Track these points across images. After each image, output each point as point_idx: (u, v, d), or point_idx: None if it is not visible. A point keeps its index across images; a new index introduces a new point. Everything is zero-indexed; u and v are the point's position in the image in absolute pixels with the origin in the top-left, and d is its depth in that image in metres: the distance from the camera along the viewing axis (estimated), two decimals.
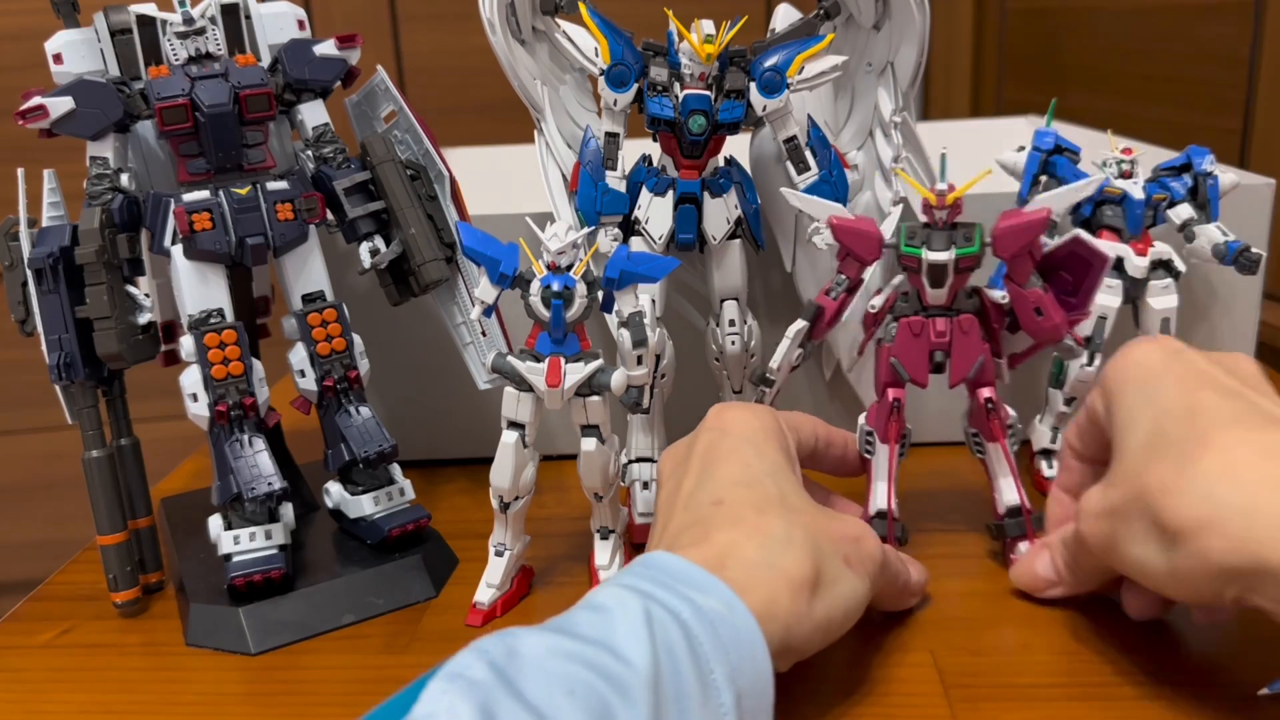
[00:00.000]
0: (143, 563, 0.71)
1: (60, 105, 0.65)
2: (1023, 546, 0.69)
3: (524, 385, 0.63)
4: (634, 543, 0.73)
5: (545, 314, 0.62)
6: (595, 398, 0.64)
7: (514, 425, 0.65)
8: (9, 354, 1.89)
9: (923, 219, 0.66)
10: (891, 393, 0.69)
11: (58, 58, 0.68)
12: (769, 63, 0.72)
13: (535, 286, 0.62)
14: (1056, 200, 0.66)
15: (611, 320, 0.66)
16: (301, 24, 0.73)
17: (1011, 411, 0.69)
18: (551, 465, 0.75)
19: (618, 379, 0.63)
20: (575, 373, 0.63)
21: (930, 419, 0.84)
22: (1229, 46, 1.35)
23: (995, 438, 0.69)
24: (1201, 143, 0.79)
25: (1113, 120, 1.44)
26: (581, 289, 0.62)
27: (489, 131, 1.72)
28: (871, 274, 0.71)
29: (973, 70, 2.11)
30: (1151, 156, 0.80)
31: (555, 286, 0.62)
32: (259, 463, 0.67)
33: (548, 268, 0.63)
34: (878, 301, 0.69)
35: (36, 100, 0.65)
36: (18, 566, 2.04)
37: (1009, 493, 0.69)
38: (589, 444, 0.64)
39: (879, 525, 0.69)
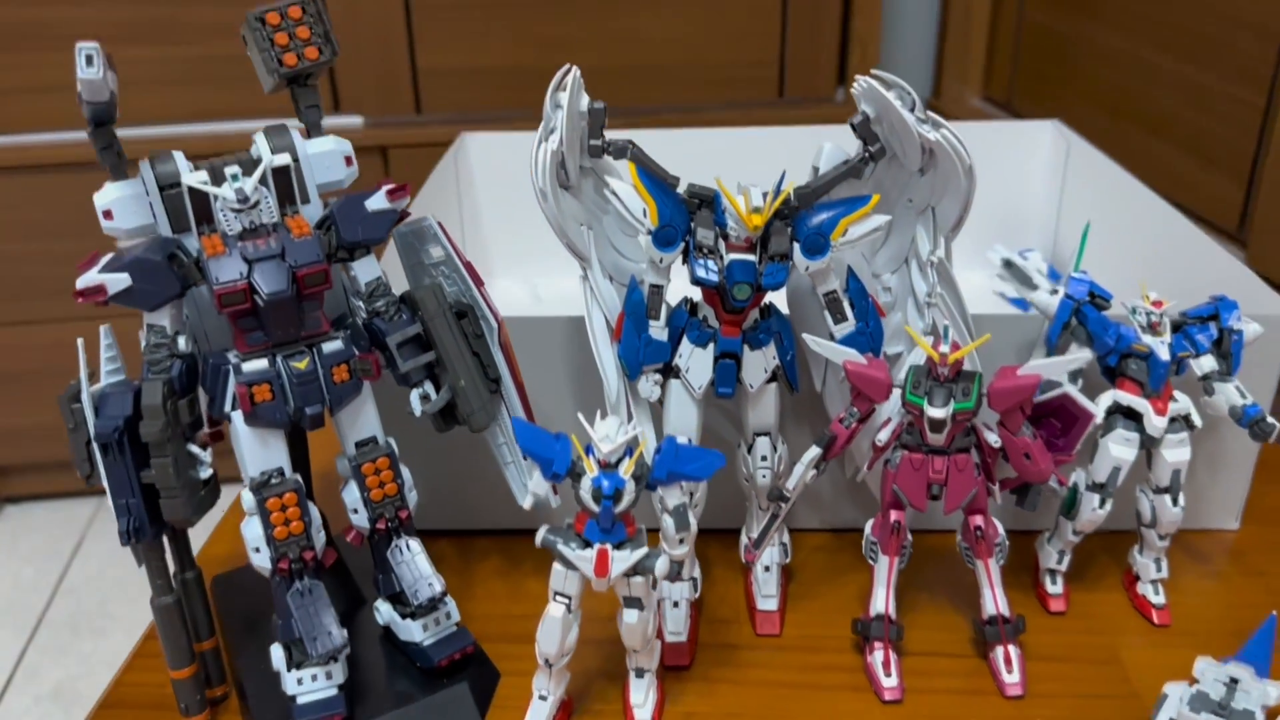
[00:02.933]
0: (208, 678, 0.76)
1: (118, 283, 0.66)
2: (999, 650, 0.77)
3: (572, 567, 0.67)
4: (665, 665, 0.79)
5: (595, 508, 0.66)
6: (639, 578, 0.68)
7: (560, 596, 0.69)
8: (12, 247, 1.90)
9: (929, 370, 0.72)
10: (894, 514, 0.77)
11: (108, 214, 0.68)
12: (814, 223, 0.73)
13: (586, 484, 0.65)
14: (1048, 369, 0.72)
15: (654, 499, 0.69)
16: (349, 160, 0.73)
17: (1000, 531, 0.77)
18: None
19: (662, 565, 0.67)
20: (622, 561, 0.66)
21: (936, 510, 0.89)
22: (1266, 18, 1.32)
23: (982, 557, 0.78)
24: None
25: (1135, 66, 1.40)
26: (630, 487, 0.65)
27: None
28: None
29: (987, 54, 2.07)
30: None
31: (605, 488, 0.65)
32: (320, 614, 0.71)
33: (598, 465, 0.65)
34: (884, 436, 0.75)
35: (95, 278, 0.66)
36: (35, 448, 2.11)
37: (990, 604, 0.78)
38: (631, 615, 0.69)
39: (877, 627, 0.77)
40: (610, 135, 0.74)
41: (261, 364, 0.68)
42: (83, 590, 1.96)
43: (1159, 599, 0.83)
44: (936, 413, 0.71)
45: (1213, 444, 0.88)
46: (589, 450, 0.66)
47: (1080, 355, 0.71)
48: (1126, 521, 0.86)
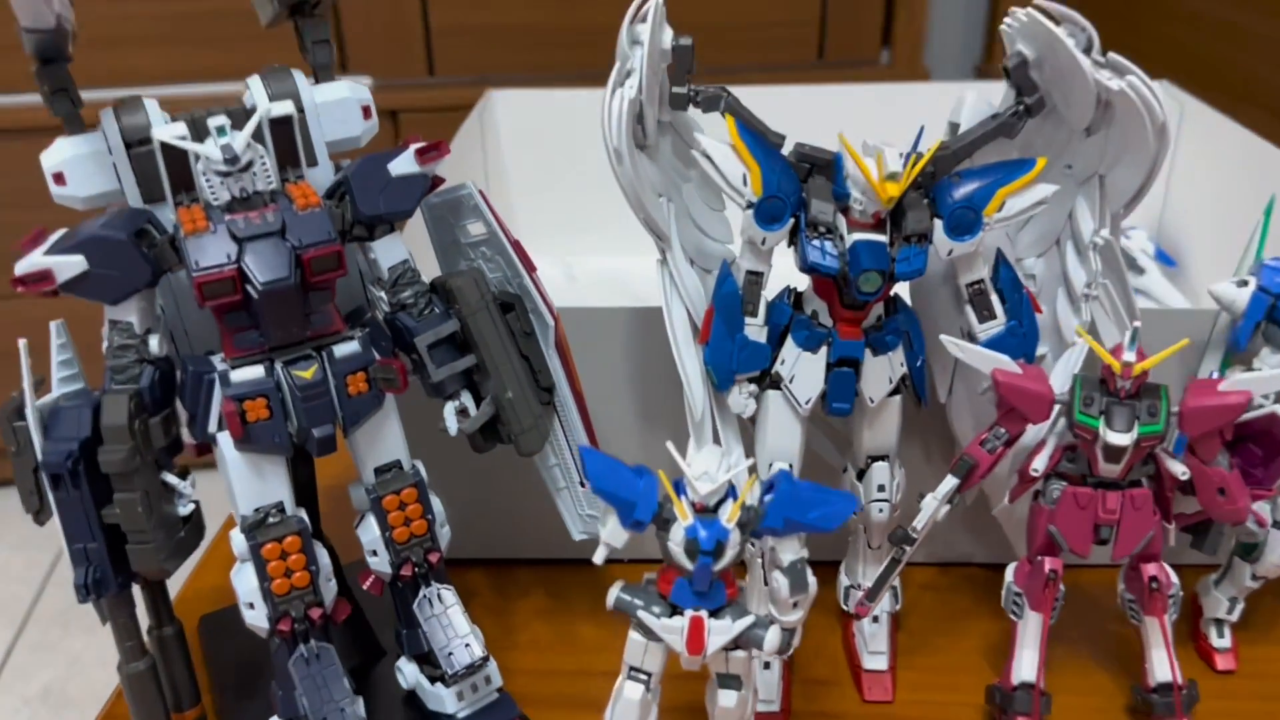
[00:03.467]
0: None
1: (69, 267, 0.50)
2: None
3: (655, 638, 0.52)
4: None
5: (689, 566, 0.50)
6: (740, 652, 0.53)
7: (638, 672, 0.54)
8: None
9: (1102, 380, 0.58)
10: (1049, 563, 0.62)
11: (59, 177, 0.53)
12: (961, 194, 0.57)
13: (678, 534, 0.50)
14: (1260, 384, 0.58)
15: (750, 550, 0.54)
16: (367, 111, 0.57)
17: (1174, 580, 0.63)
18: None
19: (773, 639, 0.52)
20: (721, 633, 0.51)
21: None
22: None
23: (1155, 614, 0.63)
24: None
25: (1213, 28, 1.22)
26: (735, 538, 0.50)
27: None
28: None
29: None
30: None
31: (704, 540, 0.50)
32: (329, 684, 0.56)
33: (692, 508, 0.50)
34: (1039, 465, 0.61)
35: (39, 261, 0.50)
36: None
37: (1162, 669, 0.64)
38: (729, 698, 0.54)
39: (1023, 699, 0.62)
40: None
41: (256, 373, 0.53)
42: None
43: (1224, 643, 0.68)
44: (1118, 439, 0.56)
45: None
46: (679, 489, 0.51)
47: None
48: None
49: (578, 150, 0.78)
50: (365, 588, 0.61)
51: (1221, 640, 0.70)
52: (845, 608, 0.70)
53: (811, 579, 0.55)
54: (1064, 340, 0.66)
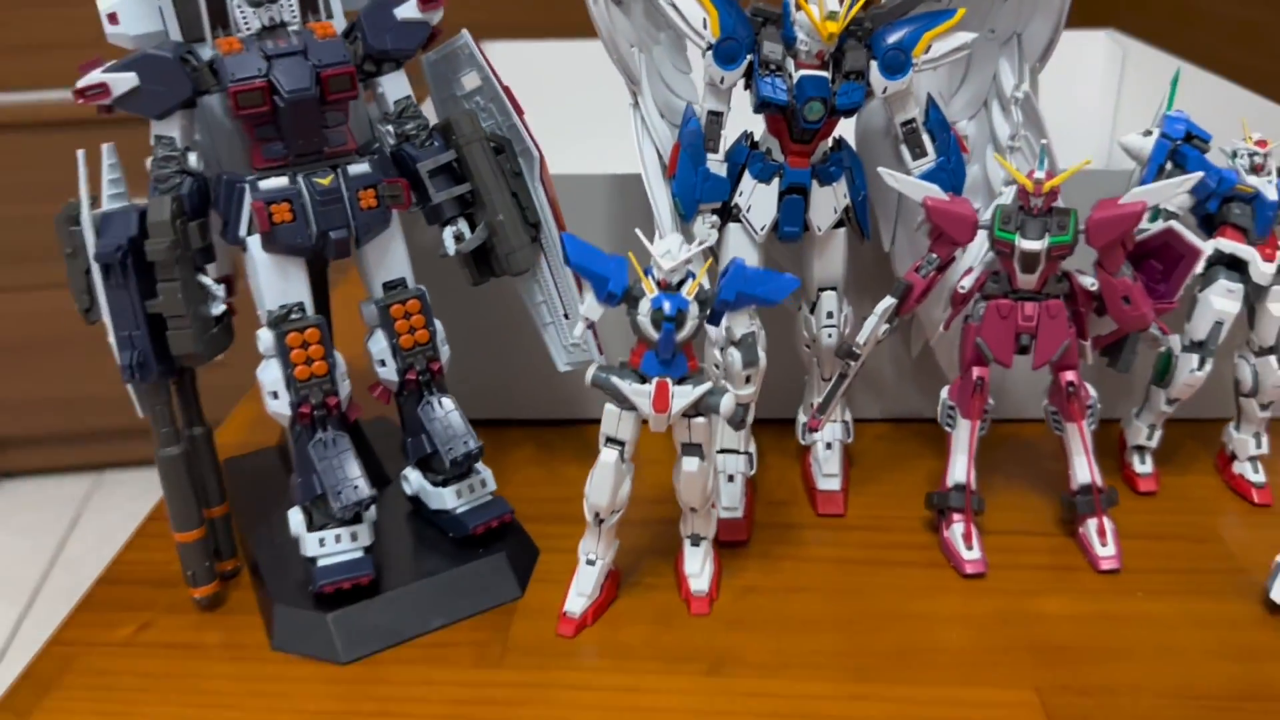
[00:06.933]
0: (218, 550, 0.69)
1: (123, 82, 0.59)
2: (1091, 523, 0.70)
3: (627, 404, 0.60)
4: (721, 541, 0.71)
5: (654, 335, 0.58)
6: (700, 419, 0.61)
7: (613, 442, 0.62)
8: (14, 210, 1.83)
9: (1020, 207, 0.65)
10: (976, 371, 0.69)
11: (112, 17, 0.61)
12: (893, 39, 0.66)
13: (645, 306, 0.58)
14: (1153, 194, 0.65)
15: (712, 332, 0.62)
16: None
17: (1092, 392, 0.70)
18: None
19: (727, 403, 0.59)
20: (684, 396, 0.59)
21: (1013, 397, 0.82)
22: None
23: (1074, 419, 0.70)
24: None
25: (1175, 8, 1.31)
26: (694, 310, 0.58)
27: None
28: (963, 251, 0.69)
29: None
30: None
31: (668, 309, 0.58)
32: (345, 465, 0.64)
33: (658, 285, 0.58)
34: (967, 282, 0.68)
35: (98, 76, 0.59)
36: (33, 421, 2.04)
37: (1082, 471, 0.71)
38: (691, 464, 0.62)
39: (956, 497, 0.70)
40: None
41: (281, 181, 0.62)
42: (79, 565, 1.87)
43: (1258, 477, 0.76)
44: (1031, 245, 0.64)
45: None
46: (648, 272, 0.59)
47: (1192, 176, 0.64)
48: (1217, 409, 0.79)
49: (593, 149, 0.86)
50: (375, 396, 0.69)
51: (1144, 466, 0.78)
52: (803, 442, 0.78)
53: (762, 354, 0.63)
54: (993, 194, 0.74)
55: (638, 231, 0.60)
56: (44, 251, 1.82)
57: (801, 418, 0.78)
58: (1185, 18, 1.52)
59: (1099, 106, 1.26)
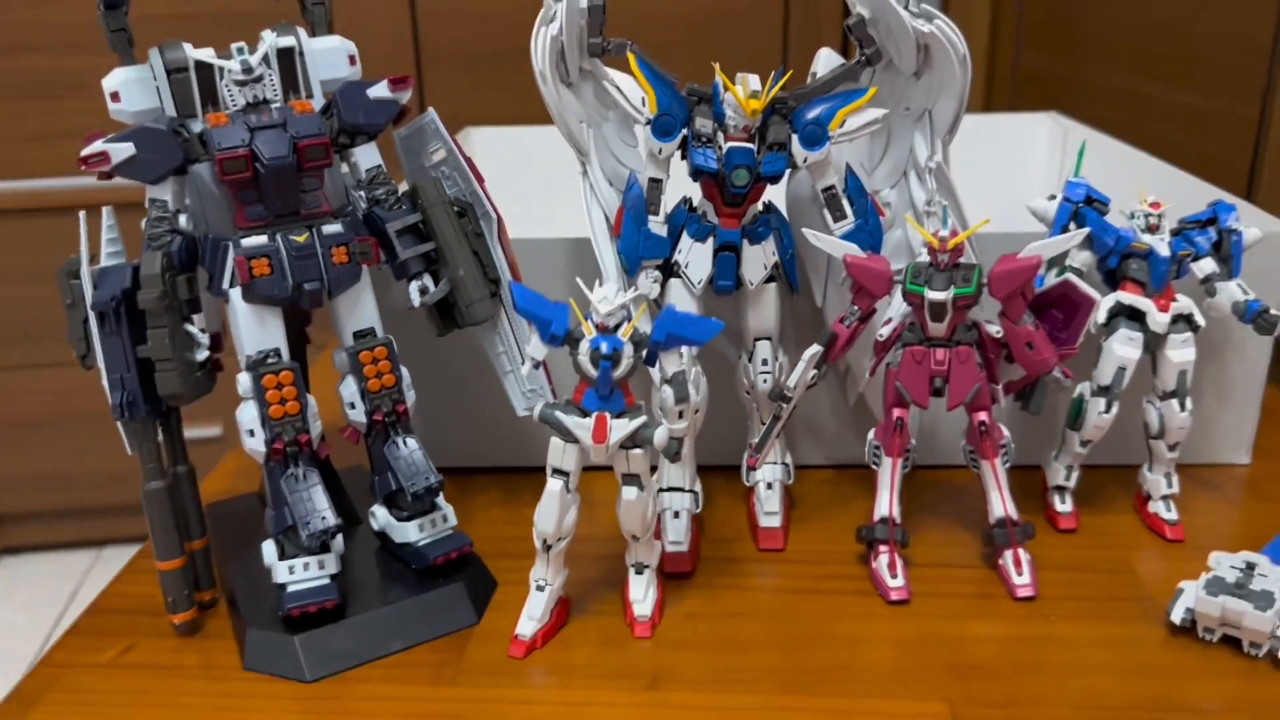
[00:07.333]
0: (197, 580, 0.74)
1: (122, 151, 0.67)
2: (1009, 554, 0.76)
3: (570, 437, 0.66)
4: (665, 572, 0.77)
5: (593, 372, 0.65)
6: (638, 450, 0.67)
7: (559, 473, 0.68)
8: (17, 291, 1.91)
9: (928, 260, 0.72)
10: (896, 412, 0.76)
11: (115, 95, 0.69)
12: (811, 115, 0.73)
13: (584, 347, 0.65)
14: (1047, 248, 0.72)
15: (654, 374, 0.68)
16: (352, 59, 0.74)
17: (1005, 432, 0.76)
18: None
19: (660, 435, 0.66)
20: (620, 429, 0.65)
21: (945, 444, 0.88)
22: (1252, 31, 1.35)
23: (988, 456, 0.76)
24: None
25: (1128, 99, 1.44)
26: (629, 350, 0.65)
27: (503, 79, 1.67)
28: (886, 305, 0.76)
29: (990, 31, 2.11)
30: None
31: (604, 349, 0.64)
32: (313, 498, 0.70)
33: (596, 328, 0.65)
34: (885, 331, 0.75)
35: (99, 146, 0.66)
36: (34, 497, 2.09)
37: (998, 506, 0.76)
38: (630, 493, 0.68)
39: (882, 529, 0.76)
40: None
41: (261, 239, 0.69)
42: None
43: (1171, 515, 0.81)
44: (937, 295, 0.71)
45: (1217, 371, 0.87)
46: (588, 316, 0.65)
47: (1080, 231, 0.71)
48: (1132, 455, 0.85)
49: (552, 218, 0.94)
50: (345, 437, 0.75)
51: (1064, 505, 0.83)
52: (746, 483, 0.84)
53: (693, 391, 0.69)
54: (914, 255, 0.81)
55: (578, 280, 0.67)
56: (45, 331, 1.91)
57: (745, 462, 0.84)
58: (1132, 103, 1.63)
59: (1043, 179, 1.35)
